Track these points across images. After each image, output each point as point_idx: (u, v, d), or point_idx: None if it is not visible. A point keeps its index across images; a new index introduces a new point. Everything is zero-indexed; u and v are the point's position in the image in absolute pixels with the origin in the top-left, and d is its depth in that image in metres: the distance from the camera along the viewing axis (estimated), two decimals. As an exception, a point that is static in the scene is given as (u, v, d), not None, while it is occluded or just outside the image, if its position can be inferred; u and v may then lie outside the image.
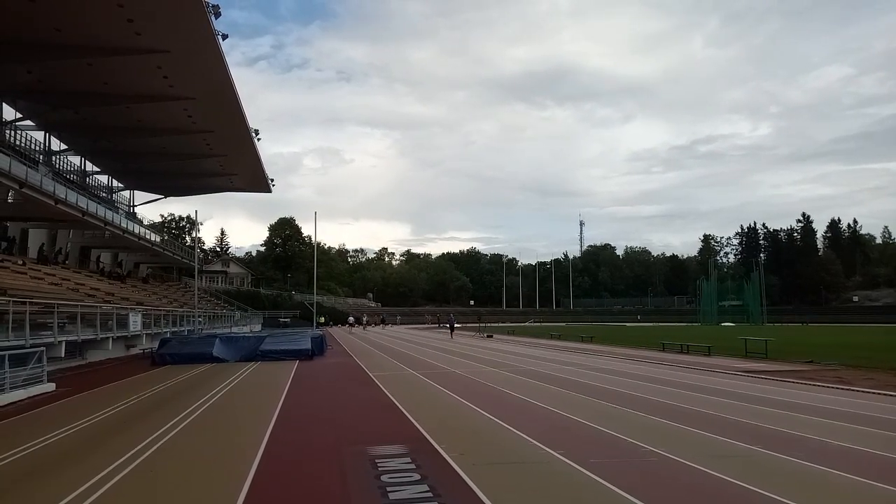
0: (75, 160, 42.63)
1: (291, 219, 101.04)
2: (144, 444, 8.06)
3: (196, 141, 38.30)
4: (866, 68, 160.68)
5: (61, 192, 28.96)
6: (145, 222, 55.65)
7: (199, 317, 36.65)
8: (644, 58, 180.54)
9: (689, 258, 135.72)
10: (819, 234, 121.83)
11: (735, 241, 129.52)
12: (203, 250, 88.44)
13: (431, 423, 9.29)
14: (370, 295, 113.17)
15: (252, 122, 37.43)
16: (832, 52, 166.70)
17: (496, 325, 65.33)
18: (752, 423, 9.21)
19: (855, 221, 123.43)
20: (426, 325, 75.98)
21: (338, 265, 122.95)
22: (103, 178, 47.88)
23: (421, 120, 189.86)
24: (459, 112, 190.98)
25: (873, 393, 12.88)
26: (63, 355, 17.44)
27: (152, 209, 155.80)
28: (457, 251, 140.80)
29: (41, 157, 35.98)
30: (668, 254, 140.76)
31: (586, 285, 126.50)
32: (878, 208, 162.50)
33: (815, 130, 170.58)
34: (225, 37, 26.37)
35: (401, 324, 79.33)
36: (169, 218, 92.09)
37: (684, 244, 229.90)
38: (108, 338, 21.22)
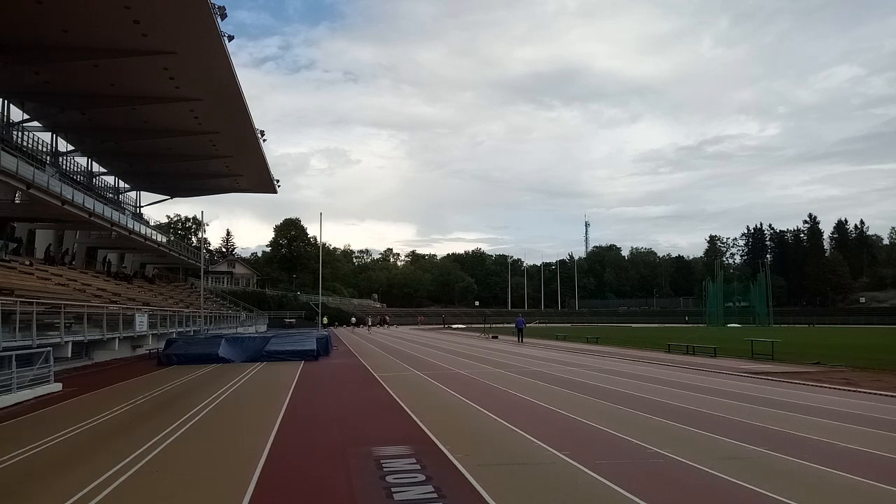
0: (82, 161, 42.82)
1: (297, 219, 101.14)
2: (150, 444, 8.09)
3: (202, 142, 38.42)
4: (875, 68, 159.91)
5: (68, 192, 29.11)
6: (151, 223, 55.95)
7: (203, 317, 36.78)
8: (652, 58, 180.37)
9: (695, 259, 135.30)
10: (826, 235, 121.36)
11: (741, 242, 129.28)
12: (209, 251, 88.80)
13: (436, 424, 9.29)
14: (375, 296, 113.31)
15: (259, 123, 37.56)
16: (841, 52, 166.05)
17: (501, 325, 65.27)
18: (757, 425, 9.18)
19: (862, 222, 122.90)
20: (418, 326, 76.19)
21: (343, 266, 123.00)
22: (110, 179, 48.09)
23: (428, 121, 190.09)
24: (467, 113, 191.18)
25: (880, 395, 12.80)
26: (70, 355, 17.52)
27: (158, 210, 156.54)
28: (462, 252, 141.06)
29: (48, 158, 36.14)
30: (675, 255, 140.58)
31: (591, 286, 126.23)
32: (886, 209, 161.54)
33: (823, 131, 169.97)
34: (231, 38, 26.55)
35: (392, 324, 79.79)
36: (175, 218, 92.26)
37: (691, 245, 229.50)
38: (114, 338, 21.30)
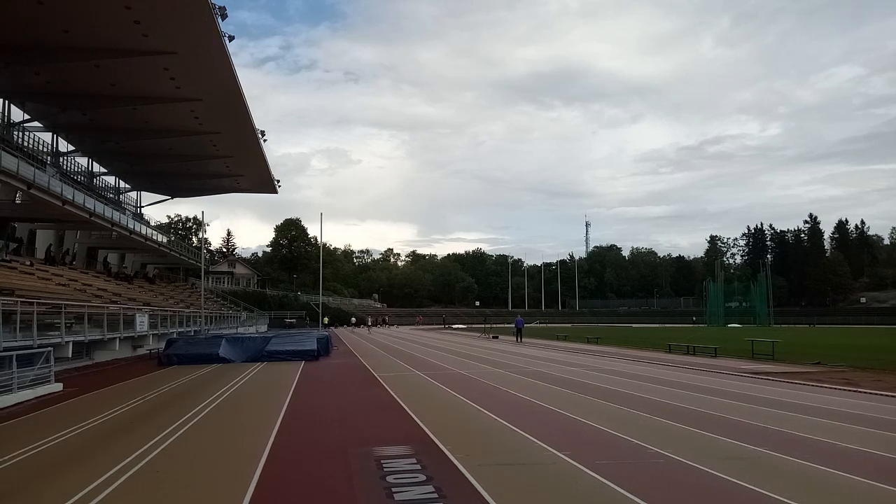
0: (82, 161, 42.80)
1: (297, 220, 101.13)
2: (151, 444, 8.10)
3: (202, 142, 38.41)
4: (876, 68, 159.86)
5: (69, 193, 29.10)
6: (152, 223, 55.93)
7: (204, 317, 36.78)
8: (653, 58, 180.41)
9: (695, 259, 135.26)
10: (826, 236, 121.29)
11: (742, 243, 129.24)
12: (209, 251, 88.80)
13: (437, 424, 9.29)
14: (375, 296, 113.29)
15: (260, 124, 37.55)
16: (843, 52, 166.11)
17: (501, 326, 65.26)
18: (758, 425, 9.18)
19: (862, 222, 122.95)
20: (418, 326, 76.32)
21: (343, 266, 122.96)
22: (110, 179, 48.04)
23: (429, 121, 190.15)
24: (467, 113, 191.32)
25: (880, 395, 12.79)
26: (70, 356, 17.53)
27: (159, 210, 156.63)
28: (462, 252, 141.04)
29: (49, 158, 36.11)
30: (675, 255, 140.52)
31: (592, 286, 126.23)
32: (887, 209, 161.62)
33: (824, 131, 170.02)
34: (231, 38, 26.47)
35: (392, 324, 79.86)
36: (175, 219, 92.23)
37: (692, 245, 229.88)
38: (114, 338, 21.31)
